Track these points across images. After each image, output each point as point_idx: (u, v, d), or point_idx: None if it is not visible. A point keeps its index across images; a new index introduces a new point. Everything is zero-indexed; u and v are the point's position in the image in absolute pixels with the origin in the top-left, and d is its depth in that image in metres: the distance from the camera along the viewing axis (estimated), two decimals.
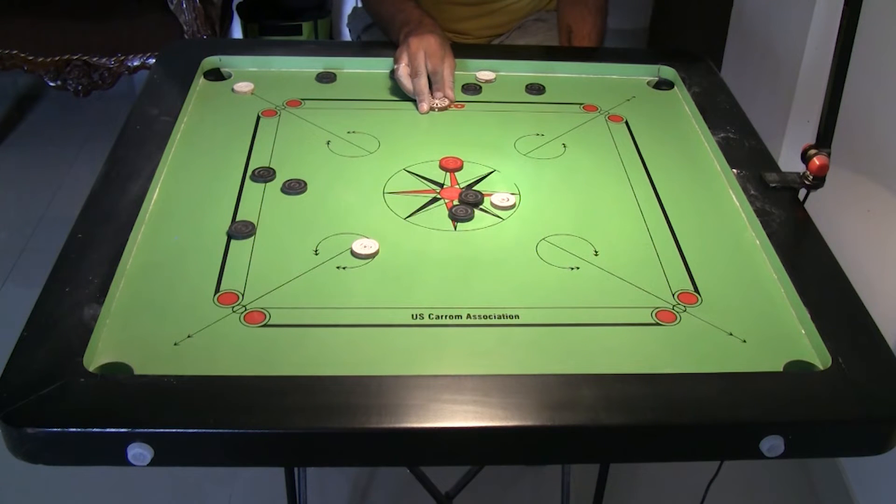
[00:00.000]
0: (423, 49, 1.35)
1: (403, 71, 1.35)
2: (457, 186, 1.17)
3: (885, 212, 1.61)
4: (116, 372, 0.85)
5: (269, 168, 1.18)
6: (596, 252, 1.05)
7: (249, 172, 1.17)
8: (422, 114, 1.33)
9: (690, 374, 0.88)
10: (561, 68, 1.46)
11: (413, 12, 1.46)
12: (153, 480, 1.78)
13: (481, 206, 1.13)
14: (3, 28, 2.56)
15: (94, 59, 2.58)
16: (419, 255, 1.04)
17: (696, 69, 1.45)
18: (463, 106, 1.36)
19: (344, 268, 1.01)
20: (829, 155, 1.11)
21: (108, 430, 0.79)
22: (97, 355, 0.87)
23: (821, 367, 0.90)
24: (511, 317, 0.95)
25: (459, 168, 1.20)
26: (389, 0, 1.53)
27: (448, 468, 1.58)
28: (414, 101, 1.35)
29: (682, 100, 1.40)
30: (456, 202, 1.13)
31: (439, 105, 1.34)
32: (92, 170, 1.14)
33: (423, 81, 1.34)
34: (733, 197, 1.16)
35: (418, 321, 0.94)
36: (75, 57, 2.58)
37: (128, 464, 0.79)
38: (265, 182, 1.15)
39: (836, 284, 1.00)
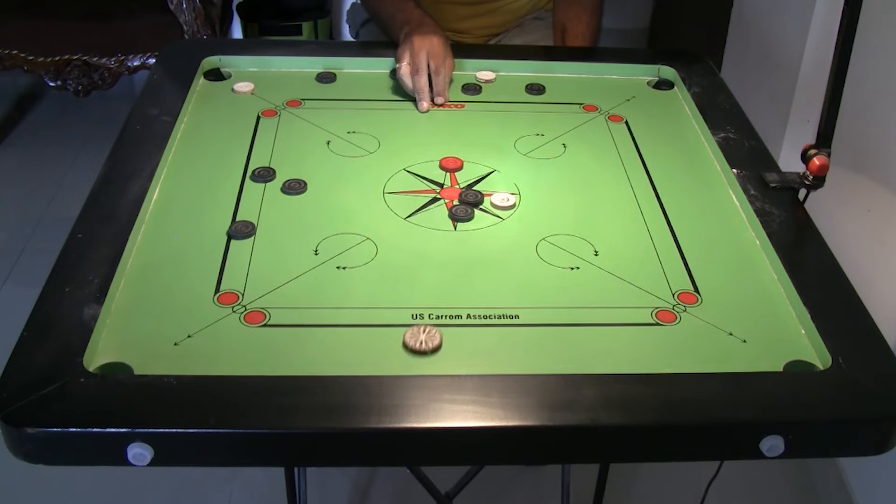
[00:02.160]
0: (427, 49, 1.35)
1: (406, 70, 1.35)
2: (457, 186, 1.17)
3: (885, 212, 1.61)
4: (116, 372, 0.85)
5: (269, 168, 1.18)
6: (596, 252, 1.05)
7: (249, 172, 1.17)
8: (422, 112, 1.33)
9: (690, 374, 0.88)
10: (561, 68, 1.46)
11: (413, 12, 1.46)
12: (153, 480, 1.78)
13: (481, 206, 1.13)
14: (3, 28, 2.56)
15: (94, 59, 2.58)
16: (419, 255, 1.04)
17: (696, 69, 1.45)
18: (463, 106, 1.36)
19: (344, 268, 1.01)
20: (829, 155, 1.11)
21: (108, 430, 0.79)
22: (97, 355, 0.87)
23: (821, 367, 0.90)
24: (511, 317, 0.95)
25: (459, 168, 1.20)
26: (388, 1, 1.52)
27: (448, 468, 1.58)
28: (414, 100, 1.35)
29: (682, 100, 1.40)
30: (456, 202, 1.13)
31: (437, 102, 1.35)
32: (92, 170, 1.14)
33: (424, 80, 1.34)
34: (733, 197, 1.16)
35: (418, 321, 0.94)
36: (75, 57, 2.58)
37: (128, 464, 0.79)
38: (265, 182, 1.15)
39: (836, 284, 1.00)
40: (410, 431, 0.81)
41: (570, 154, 1.25)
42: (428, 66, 1.35)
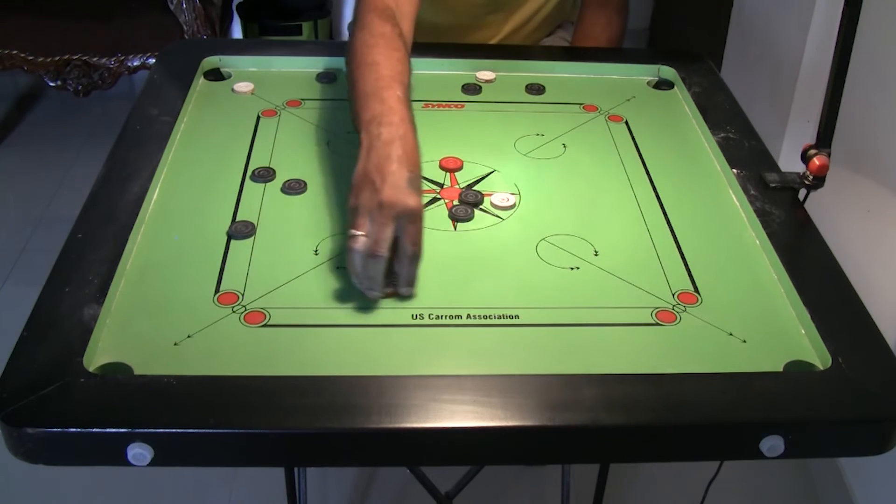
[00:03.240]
0: (397, 212, 0.93)
1: (361, 243, 0.92)
2: (457, 186, 1.17)
3: (885, 212, 1.61)
4: (116, 372, 0.85)
5: (269, 168, 1.18)
6: (596, 252, 1.05)
7: (249, 172, 1.17)
8: (371, 300, 0.96)
9: (690, 374, 0.88)
10: (561, 68, 1.46)
11: (394, 110, 1.01)
12: (153, 480, 1.78)
13: (481, 206, 1.13)
14: (3, 28, 2.56)
15: (94, 59, 2.58)
16: None
17: (696, 69, 1.45)
18: (463, 106, 1.36)
19: (344, 268, 1.01)
20: (829, 155, 1.11)
21: (108, 430, 0.79)
22: (97, 355, 0.87)
23: (821, 367, 0.90)
24: (511, 317, 0.95)
25: (459, 168, 1.20)
26: (373, 72, 1.07)
27: (448, 468, 1.58)
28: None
29: (682, 100, 1.40)
30: (456, 202, 1.13)
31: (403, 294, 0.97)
32: (92, 170, 1.14)
33: (382, 267, 0.93)
34: (733, 197, 1.16)
35: (418, 321, 0.94)
36: (75, 57, 2.58)
37: (128, 464, 0.79)
38: (265, 182, 1.15)
39: (836, 284, 1.00)
40: (410, 431, 0.81)
41: (570, 154, 1.25)
42: (393, 241, 0.94)
